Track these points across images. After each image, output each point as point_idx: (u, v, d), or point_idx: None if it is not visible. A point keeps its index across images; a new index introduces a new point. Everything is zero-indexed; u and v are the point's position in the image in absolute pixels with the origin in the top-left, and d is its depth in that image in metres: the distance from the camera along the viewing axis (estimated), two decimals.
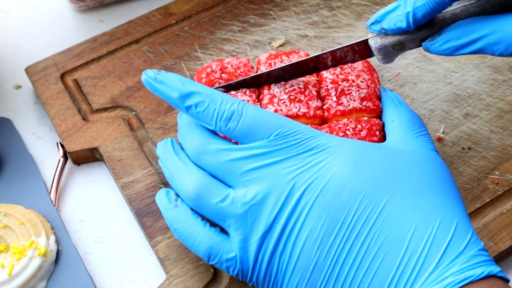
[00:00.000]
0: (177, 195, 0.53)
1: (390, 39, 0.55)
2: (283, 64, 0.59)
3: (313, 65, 0.58)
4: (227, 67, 0.60)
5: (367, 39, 0.56)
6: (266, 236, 0.49)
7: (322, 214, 0.48)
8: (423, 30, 0.54)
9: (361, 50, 0.57)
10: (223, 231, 0.52)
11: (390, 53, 0.56)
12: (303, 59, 0.58)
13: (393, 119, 0.56)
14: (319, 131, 0.51)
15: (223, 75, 0.60)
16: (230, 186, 0.51)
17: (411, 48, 0.56)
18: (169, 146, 0.54)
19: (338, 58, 0.58)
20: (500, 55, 0.51)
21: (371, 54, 0.57)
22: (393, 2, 0.55)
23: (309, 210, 0.48)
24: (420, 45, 0.55)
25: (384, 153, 0.50)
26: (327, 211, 0.48)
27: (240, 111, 0.51)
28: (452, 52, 0.53)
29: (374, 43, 0.56)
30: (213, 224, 0.52)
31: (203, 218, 0.52)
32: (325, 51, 0.57)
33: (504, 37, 0.51)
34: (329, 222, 0.47)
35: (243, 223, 0.49)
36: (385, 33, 0.55)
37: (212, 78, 0.60)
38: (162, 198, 0.54)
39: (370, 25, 0.55)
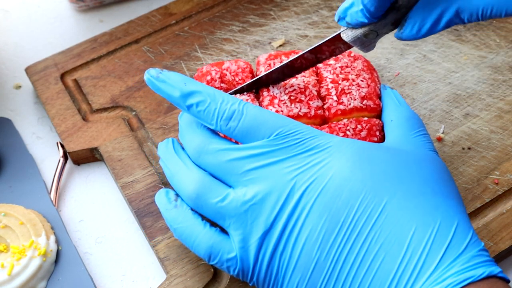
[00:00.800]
0: (177, 195, 0.53)
1: (360, 31, 0.55)
2: (278, 65, 0.59)
3: (306, 62, 0.58)
4: (226, 75, 0.60)
5: (339, 34, 0.56)
6: (266, 236, 0.49)
7: (322, 213, 0.48)
8: (390, 14, 0.54)
9: (342, 42, 0.56)
10: (224, 231, 0.52)
11: (366, 42, 0.56)
12: (294, 57, 0.58)
13: (392, 118, 0.56)
14: (319, 131, 0.51)
15: (222, 84, 0.60)
16: (230, 186, 0.51)
17: (386, 33, 0.55)
18: (170, 146, 0.54)
19: (325, 52, 0.58)
20: (470, 21, 0.51)
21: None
22: None
23: (310, 210, 0.48)
24: (394, 28, 0.55)
25: (384, 153, 0.50)
26: (327, 210, 0.48)
27: (240, 110, 0.51)
28: (426, 34, 0.53)
29: (346, 36, 0.55)
30: (213, 224, 0.52)
31: (203, 218, 0.52)
32: (310, 48, 0.57)
33: (462, 6, 0.51)
34: (330, 222, 0.47)
35: (243, 222, 0.49)
36: (353, 27, 0.55)
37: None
38: (161, 198, 0.54)
39: (338, 21, 0.55)
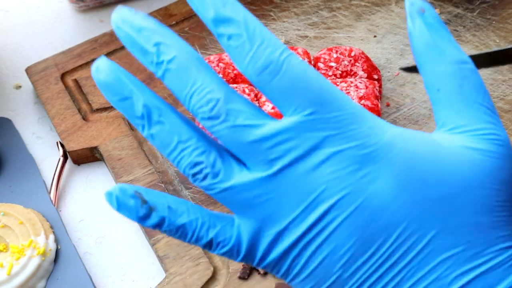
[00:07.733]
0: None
1: None
2: None
3: None
4: (225, 59, 0.61)
5: None
6: (277, 236, 0.40)
7: (352, 235, 0.39)
8: None
9: None
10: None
11: None
12: None
13: (438, 87, 0.41)
14: (368, 113, 0.39)
15: (220, 64, 0.60)
16: (244, 165, 0.40)
17: None
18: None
19: None
20: None
21: None
22: None
23: (337, 227, 0.39)
24: None
25: (441, 167, 0.40)
26: (358, 233, 0.39)
27: (280, 63, 0.38)
28: None
29: None
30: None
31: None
32: None
33: None
34: (360, 246, 0.39)
35: (255, 213, 0.40)
36: None
37: None
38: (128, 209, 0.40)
39: None
